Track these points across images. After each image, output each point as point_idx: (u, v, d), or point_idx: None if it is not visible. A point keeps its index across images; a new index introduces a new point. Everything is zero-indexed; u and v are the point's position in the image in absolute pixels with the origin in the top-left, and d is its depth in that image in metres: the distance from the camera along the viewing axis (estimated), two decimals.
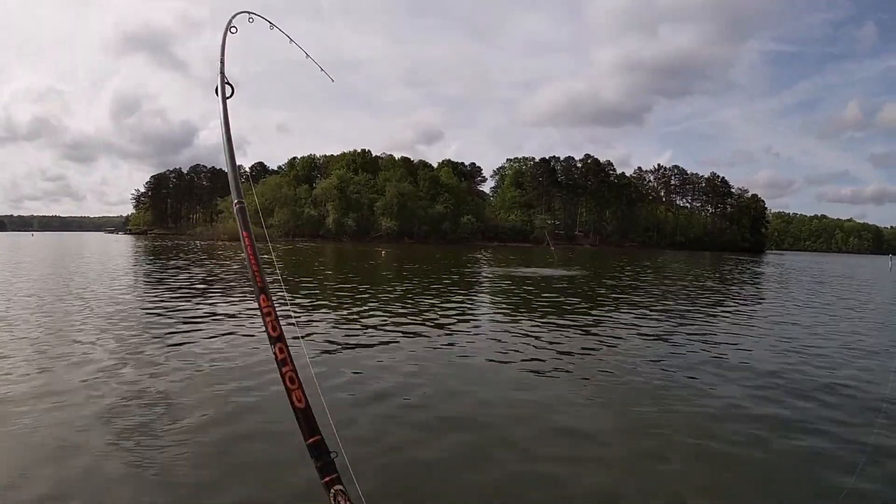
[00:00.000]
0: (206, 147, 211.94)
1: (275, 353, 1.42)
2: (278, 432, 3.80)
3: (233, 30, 2.38)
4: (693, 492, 3.30)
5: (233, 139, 2.00)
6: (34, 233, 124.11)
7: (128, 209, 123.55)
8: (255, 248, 1.60)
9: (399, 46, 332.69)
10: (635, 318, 10.18)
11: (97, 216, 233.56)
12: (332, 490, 1.29)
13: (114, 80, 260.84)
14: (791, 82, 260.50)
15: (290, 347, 1.46)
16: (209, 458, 3.50)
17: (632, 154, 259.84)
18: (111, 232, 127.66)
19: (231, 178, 1.80)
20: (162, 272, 18.21)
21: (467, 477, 3.37)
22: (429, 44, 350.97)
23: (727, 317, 10.92)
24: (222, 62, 2.20)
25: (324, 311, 9.78)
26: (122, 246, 46.27)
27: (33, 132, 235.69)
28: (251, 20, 2.47)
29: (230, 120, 2.00)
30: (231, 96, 2.09)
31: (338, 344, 7.03)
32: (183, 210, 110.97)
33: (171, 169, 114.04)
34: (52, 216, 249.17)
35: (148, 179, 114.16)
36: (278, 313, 1.55)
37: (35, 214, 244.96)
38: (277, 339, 1.44)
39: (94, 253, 32.38)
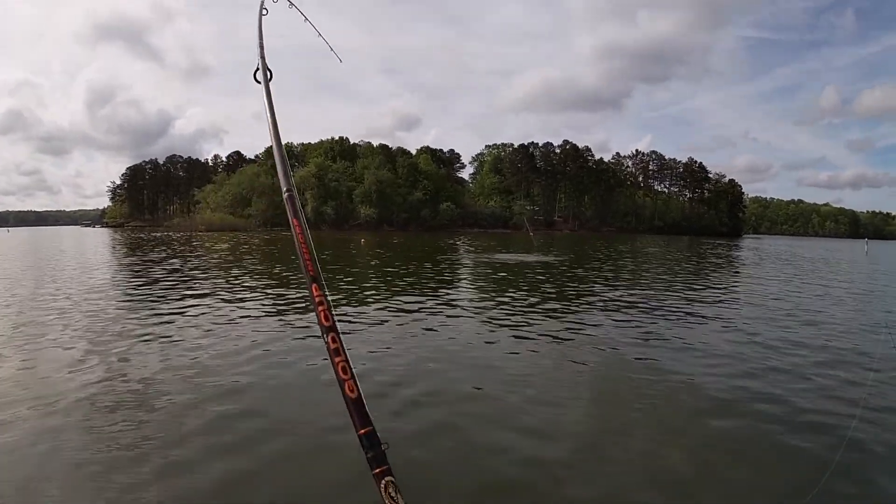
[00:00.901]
0: (182, 137, 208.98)
1: (327, 343, 1.40)
2: (293, 424, 3.92)
3: (264, 11, 2.37)
4: (670, 476, 3.31)
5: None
6: (9, 229, 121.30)
7: (104, 202, 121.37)
8: (307, 237, 1.59)
9: (375, 34, 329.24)
10: (614, 301, 10.35)
11: (73, 209, 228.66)
12: (383, 481, 1.29)
13: (87, 72, 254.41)
14: (769, 68, 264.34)
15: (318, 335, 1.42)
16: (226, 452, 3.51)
17: (611, 139, 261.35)
18: (87, 225, 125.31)
19: (279, 165, 1.75)
20: (143, 265, 18.06)
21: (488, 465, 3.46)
22: (405, 31, 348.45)
23: (704, 298, 11.15)
24: (261, 46, 2.14)
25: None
26: (98, 239, 45.54)
27: (7, 126, 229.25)
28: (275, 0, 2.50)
29: (274, 105, 1.96)
30: (271, 80, 2.04)
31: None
32: (160, 201, 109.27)
33: (147, 160, 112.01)
34: (28, 211, 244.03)
35: (124, 171, 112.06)
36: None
37: (10, 210, 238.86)
38: (330, 328, 1.41)
39: (70, 248, 31.83)
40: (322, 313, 1.43)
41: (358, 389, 1.35)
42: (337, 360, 1.38)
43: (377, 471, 1.30)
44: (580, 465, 3.47)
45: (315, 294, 1.47)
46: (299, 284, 11.41)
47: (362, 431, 1.32)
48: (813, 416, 4.31)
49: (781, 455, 3.62)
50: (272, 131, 1.89)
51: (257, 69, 2.05)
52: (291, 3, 2.72)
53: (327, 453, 3.48)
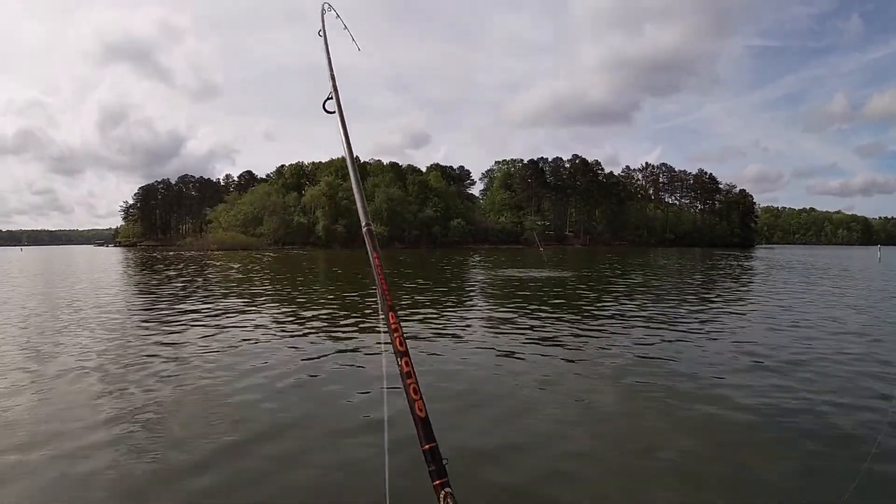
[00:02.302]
0: (194, 157, 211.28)
1: (400, 367, 1.53)
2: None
3: (320, 33, 2.39)
4: (702, 478, 3.33)
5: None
6: (23, 248, 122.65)
7: (117, 221, 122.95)
8: (382, 269, 1.70)
9: (381, 51, 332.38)
10: (628, 318, 10.12)
11: (86, 229, 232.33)
12: (443, 492, 1.41)
13: (98, 91, 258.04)
14: (776, 76, 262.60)
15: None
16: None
17: (620, 153, 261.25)
18: (101, 245, 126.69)
19: (358, 200, 1.87)
20: (159, 283, 18.13)
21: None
22: (411, 48, 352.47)
23: (720, 314, 10.80)
24: (332, 70, 2.15)
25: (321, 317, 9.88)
26: (112, 258, 45.90)
27: (19, 145, 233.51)
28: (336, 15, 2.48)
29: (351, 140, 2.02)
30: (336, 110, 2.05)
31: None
32: (172, 221, 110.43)
33: (160, 180, 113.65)
34: (41, 230, 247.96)
35: (136, 191, 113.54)
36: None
37: (24, 229, 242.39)
38: (404, 353, 1.55)
39: (86, 267, 32.11)
40: (398, 339, 1.55)
41: (425, 409, 1.48)
42: (409, 381, 1.50)
43: (437, 482, 1.42)
44: (612, 473, 3.52)
45: (392, 322, 1.58)
46: (312, 301, 11.42)
47: (427, 447, 1.44)
48: (841, 421, 4.29)
49: (811, 458, 3.62)
50: (350, 163, 1.92)
51: (328, 98, 2.05)
52: (346, 27, 2.61)
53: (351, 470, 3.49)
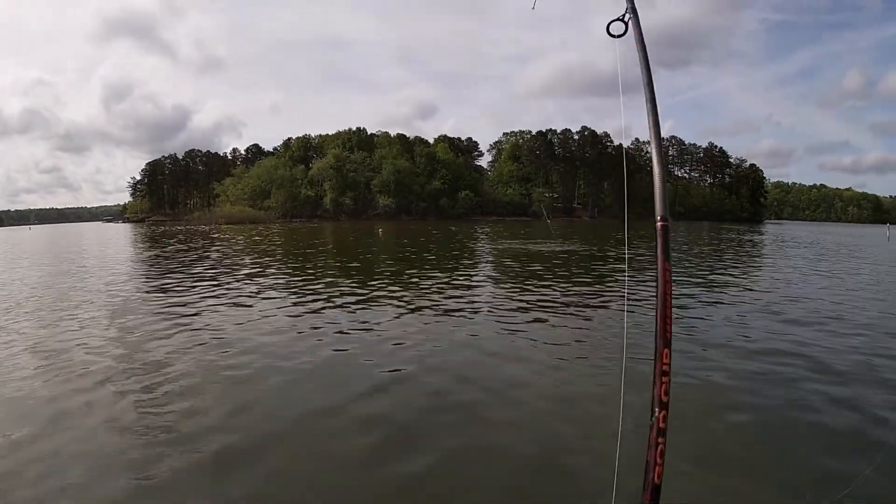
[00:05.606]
0: (200, 130, 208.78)
1: (657, 419, 1.45)
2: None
3: None
4: (695, 479, 3.24)
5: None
6: (32, 226, 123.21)
7: (124, 197, 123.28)
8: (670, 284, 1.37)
9: (389, 24, 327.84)
10: (630, 293, 10.01)
11: (94, 206, 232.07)
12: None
13: (101, 68, 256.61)
14: (791, 51, 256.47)
15: None
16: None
17: (631, 125, 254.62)
18: (109, 221, 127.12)
19: (658, 190, 1.55)
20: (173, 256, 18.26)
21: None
22: (419, 20, 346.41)
23: (729, 289, 10.64)
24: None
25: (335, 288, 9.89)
26: (124, 234, 46.25)
27: (25, 125, 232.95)
28: None
29: None
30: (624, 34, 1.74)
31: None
32: (180, 196, 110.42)
33: (167, 155, 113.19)
34: (49, 208, 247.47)
35: (143, 166, 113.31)
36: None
37: (32, 208, 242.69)
38: (665, 405, 1.47)
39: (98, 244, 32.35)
40: (663, 387, 1.38)
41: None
42: (660, 440, 1.39)
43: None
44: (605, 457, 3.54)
45: (664, 361, 1.37)
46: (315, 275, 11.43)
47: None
48: (849, 415, 4.19)
49: (812, 451, 3.56)
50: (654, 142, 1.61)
51: (616, 20, 1.71)
52: None
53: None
